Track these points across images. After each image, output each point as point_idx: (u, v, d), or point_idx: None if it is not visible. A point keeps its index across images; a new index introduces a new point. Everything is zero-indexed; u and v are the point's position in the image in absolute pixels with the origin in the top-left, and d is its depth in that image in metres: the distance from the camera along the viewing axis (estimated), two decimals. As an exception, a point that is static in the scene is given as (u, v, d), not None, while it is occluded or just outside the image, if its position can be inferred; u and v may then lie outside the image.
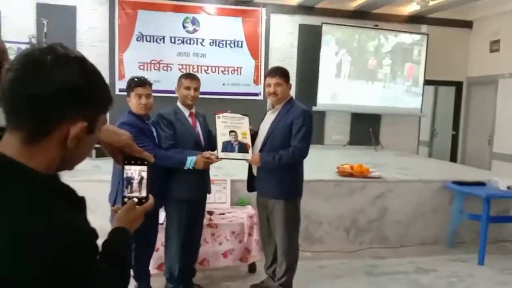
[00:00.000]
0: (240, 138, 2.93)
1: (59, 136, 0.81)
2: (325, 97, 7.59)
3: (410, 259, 4.22)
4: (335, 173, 4.68)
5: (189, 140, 2.94)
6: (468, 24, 8.41)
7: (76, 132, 0.81)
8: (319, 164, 5.16)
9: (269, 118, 3.04)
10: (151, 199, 1.13)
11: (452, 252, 4.49)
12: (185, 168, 2.80)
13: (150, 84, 2.88)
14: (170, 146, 2.87)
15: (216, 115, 2.95)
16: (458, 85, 8.67)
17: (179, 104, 3.00)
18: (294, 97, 3.01)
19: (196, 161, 2.79)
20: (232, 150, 2.92)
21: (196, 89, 2.97)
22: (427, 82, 8.15)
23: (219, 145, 2.92)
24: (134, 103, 2.79)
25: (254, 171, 3.06)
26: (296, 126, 2.88)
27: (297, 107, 2.98)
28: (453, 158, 8.64)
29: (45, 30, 4.39)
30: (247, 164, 3.10)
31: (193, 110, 3.05)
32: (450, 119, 8.83)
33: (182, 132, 2.93)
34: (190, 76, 3.02)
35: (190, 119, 2.99)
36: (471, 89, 8.60)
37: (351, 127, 8.04)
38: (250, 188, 3.16)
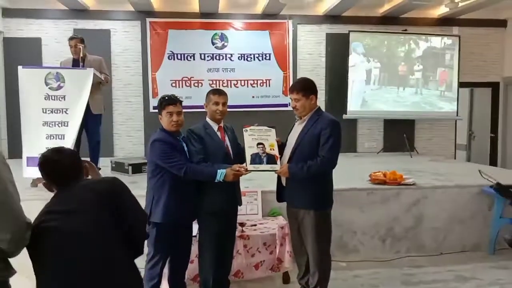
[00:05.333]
0: (268, 150, 2.95)
1: None
2: (355, 105, 7.51)
3: (449, 267, 4.09)
4: (367, 181, 4.61)
5: (219, 154, 2.96)
6: (502, 23, 8.15)
7: None
8: (351, 173, 5.10)
9: (297, 128, 3.05)
10: None
11: (493, 258, 4.33)
12: (216, 181, 2.81)
13: (181, 102, 2.93)
14: (200, 160, 2.89)
15: (244, 129, 3.00)
16: (494, 86, 8.40)
17: (208, 119, 3.05)
18: (324, 105, 3.01)
19: (226, 174, 2.80)
20: (261, 162, 2.93)
21: (224, 103, 3.01)
22: (461, 85, 7.94)
23: (248, 158, 2.93)
24: (166, 120, 2.85)
25: (283, 182, 3.06)
26: (324, 136, 2.87)
27: (325, 117, 2.98)
28: (493, 162, 8.34)
29: (81, 55, 4.75)
30: (276, 175, 3.07)
31: (222, 124, 3.08)
32: (488, 121, 8.53)
33: (212, 146, 2.96)
34: (218, 92, 3.05)
35: (219, 133, 3.02)
36: (508, 89, 8.32)
37: (384, 134, 7.94)
38: (280, 198, 3.17)
